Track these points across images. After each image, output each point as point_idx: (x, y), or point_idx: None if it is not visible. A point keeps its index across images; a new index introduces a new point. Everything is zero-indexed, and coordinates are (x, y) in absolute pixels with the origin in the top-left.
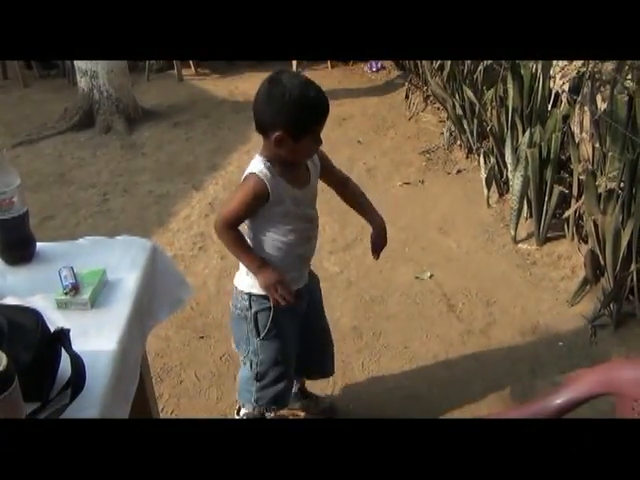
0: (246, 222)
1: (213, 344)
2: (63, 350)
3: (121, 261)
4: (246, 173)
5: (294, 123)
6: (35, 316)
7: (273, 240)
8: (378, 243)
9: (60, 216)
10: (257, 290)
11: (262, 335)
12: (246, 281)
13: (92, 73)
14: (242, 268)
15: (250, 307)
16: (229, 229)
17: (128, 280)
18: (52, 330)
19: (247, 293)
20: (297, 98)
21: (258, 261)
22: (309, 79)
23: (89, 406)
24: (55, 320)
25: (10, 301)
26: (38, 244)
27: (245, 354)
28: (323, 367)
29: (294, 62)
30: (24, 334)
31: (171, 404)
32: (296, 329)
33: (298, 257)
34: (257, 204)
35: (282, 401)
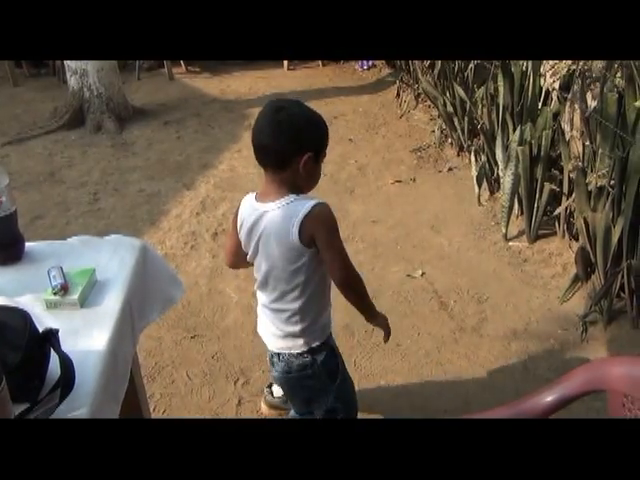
0: (296, 270)
1: (205, 343)
2: (52, 350)
3: (110, 260)
4: (304, 212)
5: (318, 142)
6: (23, 316)
7: (319, 283)
8: None
9: (50, 215)
10: (315, 342)
11: (339, 378)
12: (301, 341)
13: (82, 72)
14: (280, 332)
15: (314, 361)
16: (355, 270)
17: (118, 279)
18: (41, 330)
19: (306, 350)
20: (313, 117)
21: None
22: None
23: (79, 406)
24: (44, 320)
25: None
26: (27, 244)
27: (325, 406)
28: None
29: (285, 60)
30: (12, 335)
31: (163, 403)
32: None
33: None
34: None
35: None
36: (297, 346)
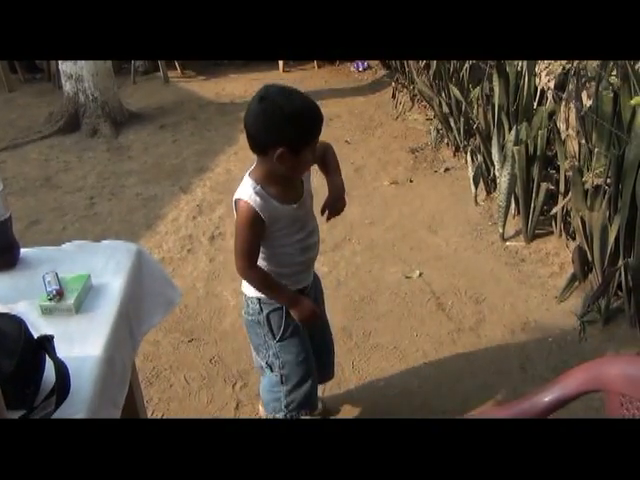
0: None
1: (202, 347)
2: (47, 357)
3: (106, 266)
4: (235, 197)
5: (295, 138)
6: (18, 323)
7: (274, 255)
8: (329, 205)
9: (46, 220)
10: (263, 295)
11: (278, 336)
12: (251, 288)
13: (77, 76)
14: None
15: (261, 310)
16: (249, 269)
17: (113, 285)
18: (36, 336)
19: (256, 298)
20: (294, 112)
21: (288, 295)
22: (297, 90)
23: (74, 413)
24: (39, 326)
25: None
26: (22, 250)
27: (266, 359)
28: (324, 370)
29: (280, 62)
30: (6, 341)
31: (161, 408)
32: (307, 327)
33: (301, 264)
34: (258, 231)
35: (312, 402)
36: (249, 290)
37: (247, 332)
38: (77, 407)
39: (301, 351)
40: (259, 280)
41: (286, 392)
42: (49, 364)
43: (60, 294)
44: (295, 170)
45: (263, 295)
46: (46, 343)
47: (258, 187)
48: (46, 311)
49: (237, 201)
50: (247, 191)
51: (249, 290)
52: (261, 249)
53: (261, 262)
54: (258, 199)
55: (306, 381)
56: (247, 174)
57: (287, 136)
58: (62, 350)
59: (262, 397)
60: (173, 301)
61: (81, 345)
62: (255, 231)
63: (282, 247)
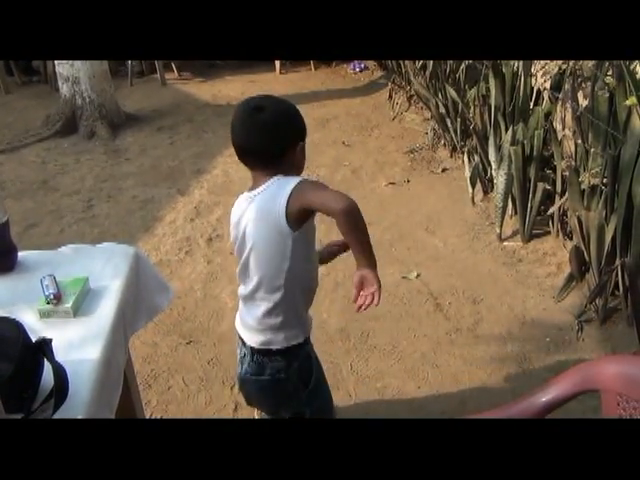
0: (279, 253)
1: (200, 349)
2: (45, 360)
3: (104, 269)
4: (297, 181)
5: (304, 128)
6: (16, 326)
7: (303, 275)
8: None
9: (44, 223)
10: (295, 340)
11: (311, 385)
12: (280, 336)
13: (74, 79)
14: (259, 325)
15: (290, 364)
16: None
17: (111, 288)
18: (34, 340)
19: (284, 349)
20: (292, 107)
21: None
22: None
23: (72, 416)
24: (38, 330)
25: None
26: (20, 253)
27: (293, 410)
28: None
29: (277, 64)
30: (4, 345)
31: (159, 410)
32: None
33: (309, 298)
34: None
35: None
36: (274, 343)
37: (261, 396)
38: (75, 410)
39: (327, 388)
40: (364, 222)
41: None
42: (47, 367)
43: (58, 297)
44: (302, 165)
45: (292, 342)
46: (44, 346)
47: None
48: (44, 314)
49: (298, 184)
50: (298, 177)
51: (274, 343)
52: (299, 263)
53: (297, 285)
54: None
55: (333, 415)
56: (268, 182)
57: (302, 129)
58: (60, 353)
59: None
60: (161, 306)
61: (79, 348)
62: None
63: (305, 267)
